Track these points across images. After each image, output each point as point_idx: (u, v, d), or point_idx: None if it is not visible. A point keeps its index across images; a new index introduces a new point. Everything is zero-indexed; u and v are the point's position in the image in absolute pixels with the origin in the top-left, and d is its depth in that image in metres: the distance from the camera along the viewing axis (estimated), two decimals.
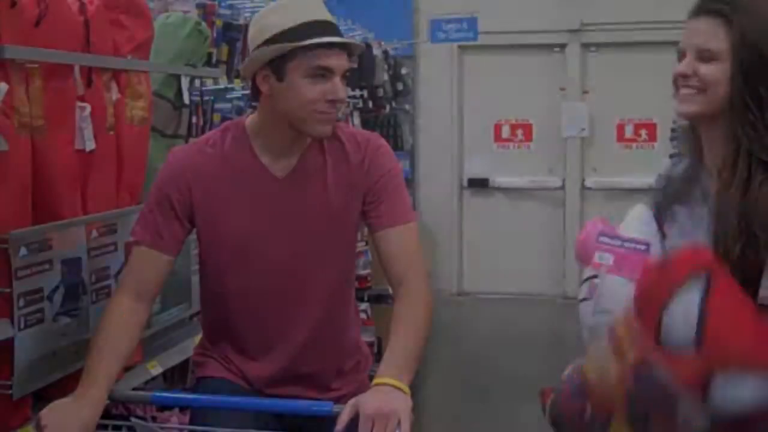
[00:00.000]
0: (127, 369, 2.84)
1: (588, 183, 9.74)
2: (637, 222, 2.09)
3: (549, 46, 9.76)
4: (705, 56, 2.00)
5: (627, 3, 9.34)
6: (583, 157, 9.75)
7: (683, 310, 1.71)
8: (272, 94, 2.38)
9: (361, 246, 5.02)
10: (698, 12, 2.03)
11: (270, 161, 2.47)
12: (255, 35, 2.41)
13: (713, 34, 1.99)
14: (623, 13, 9.33)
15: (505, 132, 9.91)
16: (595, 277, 2.06)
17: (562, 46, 9.73)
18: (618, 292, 1.97)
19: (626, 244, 1.99)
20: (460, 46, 9.52)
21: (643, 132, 9.62)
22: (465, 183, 9.94)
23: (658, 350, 1.70)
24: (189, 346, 3.15)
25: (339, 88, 2.34)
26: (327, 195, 2.47)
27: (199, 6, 3.99)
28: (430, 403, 6.78)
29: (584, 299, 2.10)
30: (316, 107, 2.34)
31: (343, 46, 2.36)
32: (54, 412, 2.19)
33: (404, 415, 2.08)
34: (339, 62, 2.34)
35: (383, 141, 2.55)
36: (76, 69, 2.61)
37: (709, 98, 2.01)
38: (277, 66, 2.34)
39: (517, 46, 9.70)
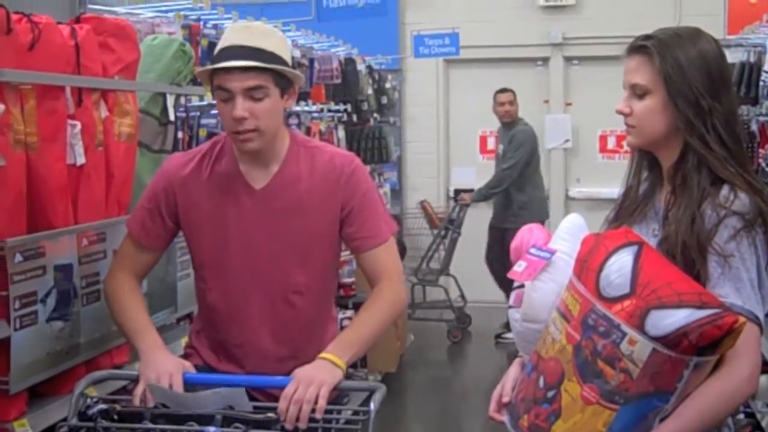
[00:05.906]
0: (115, 368, 3.04)
1: (572, 193, 9.93)
2: (564, 230, 2.23)
3: (533, 60, 9.97)
4: (638, 91, 2.17)
5: (608, 18, 9.56)
6: (567, 167, 9.95)
7: (618, 265, 1.97)
8: None
9: (345, 255, 5.19)
10: (629, 50, 2.20)
11: (248, 170, 2.71)
12: None
13: (641, 71, 2.15)
14: (604, 27, 9.53)
15: (491, 143, 10.08)
16: (521, 286, 2.21)
17: (546, 59, 9.93)
18: (541, 301, 2.14)
19: (534, 252, 2.18)
20: (445, 60, 9.72)
21: (625, 143, 9.74)
22: (451, 193, 10.10)
23: (599, 299, 1.97)
24: (176, 348, 3.31)
25: (237, 107, 2.55)
26: (302, 205, 2.68)
27: (184, 27, 4.16)
28: (416, 405, 6.95)
29: (511, 306, 2.27)
30: (229, 126, 2.61)
31: (246, 67, 2.53)
32: (153, 370, 2.46)
33: (327, 385, 2.36)
34: (236, 83, 2.55)
35: (359, 161, 2.78)
36: (67, 89, 2.79)
37: (643, 132, 2.19)
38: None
39: (501, 60, 9.90)
